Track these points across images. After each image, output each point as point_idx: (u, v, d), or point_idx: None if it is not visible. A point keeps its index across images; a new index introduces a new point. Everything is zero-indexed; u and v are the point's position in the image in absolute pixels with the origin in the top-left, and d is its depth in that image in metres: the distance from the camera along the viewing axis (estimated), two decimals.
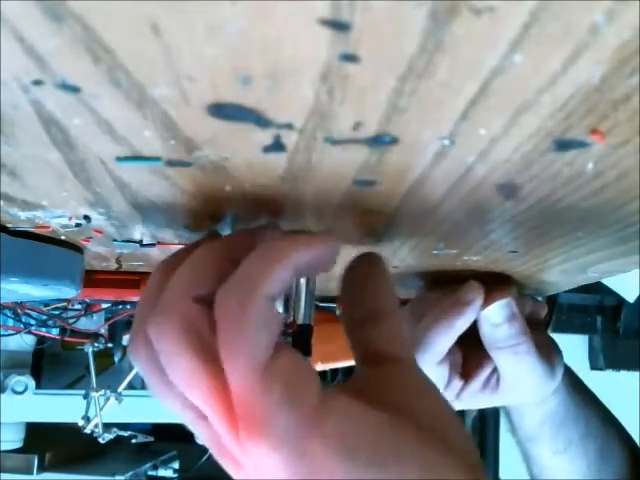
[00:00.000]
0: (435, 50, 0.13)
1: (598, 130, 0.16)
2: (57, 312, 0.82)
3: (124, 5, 0.12)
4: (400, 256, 0.37)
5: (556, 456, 0.49)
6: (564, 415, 0.48)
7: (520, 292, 0.45)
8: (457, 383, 0.45)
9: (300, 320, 0.32)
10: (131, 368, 1.04)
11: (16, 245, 0.31)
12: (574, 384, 0.50)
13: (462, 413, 1.44)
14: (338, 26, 0.12)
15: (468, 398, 0.45)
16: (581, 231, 0.27)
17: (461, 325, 0.41)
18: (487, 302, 0.41)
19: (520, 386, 0.44)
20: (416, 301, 0.47)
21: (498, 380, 0.44)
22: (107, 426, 1.04)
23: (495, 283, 0.42)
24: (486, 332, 0.42)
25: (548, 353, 0.44)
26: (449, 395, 0.44)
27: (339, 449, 0.21)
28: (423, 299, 0.46)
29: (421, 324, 0.42)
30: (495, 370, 0.44)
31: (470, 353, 0.44)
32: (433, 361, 0.42)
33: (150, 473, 1.30)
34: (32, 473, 1.22)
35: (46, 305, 0.80)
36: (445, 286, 0.43)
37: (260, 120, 0.17)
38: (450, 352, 0.43)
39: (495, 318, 0.41)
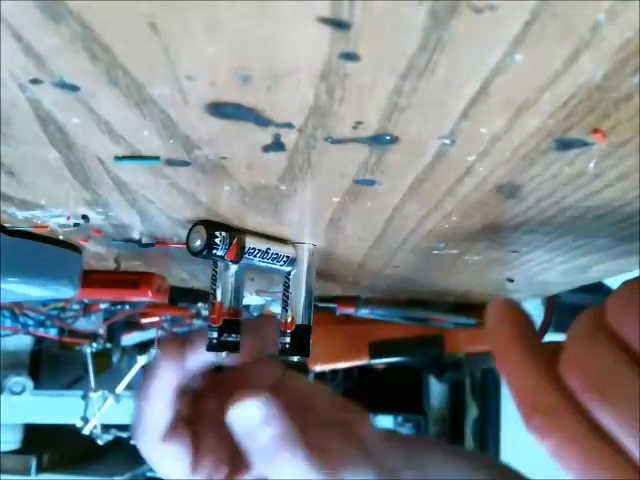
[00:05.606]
0: (435, 49, 0.13)
1: (599, 129, 0.16)
2: (55, 312, 0.82)
3: (123, 4, 0.12)
4: (400, 256, 0.37)
5: None
6: None
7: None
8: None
9: (299, 320, 0.32)
10: (129, 368, 1.04)
11: (14, 245, 0.31)
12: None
13: (462, 414, 1.44)
14: (338, 25, 0.12)
15: None
16: (582, 231, 0.27)
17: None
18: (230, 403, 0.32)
19: None
20: None
21: None
22: (106, 427, 1.04)
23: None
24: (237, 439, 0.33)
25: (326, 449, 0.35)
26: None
27: None
28: None
29: None
30: None
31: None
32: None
33: (149, 474, 1.30)
34: (30, 474, 1.22)
35: (44, 305, 0.80)
36: None
37: (259, 119, 0.17)
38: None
39: (242, 424, 0.32)
